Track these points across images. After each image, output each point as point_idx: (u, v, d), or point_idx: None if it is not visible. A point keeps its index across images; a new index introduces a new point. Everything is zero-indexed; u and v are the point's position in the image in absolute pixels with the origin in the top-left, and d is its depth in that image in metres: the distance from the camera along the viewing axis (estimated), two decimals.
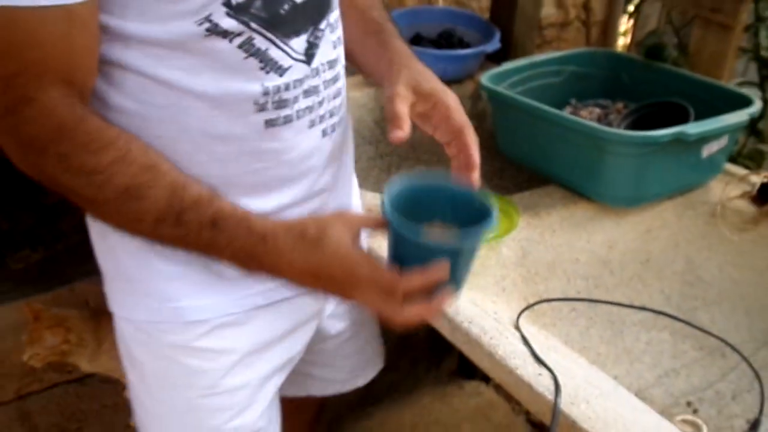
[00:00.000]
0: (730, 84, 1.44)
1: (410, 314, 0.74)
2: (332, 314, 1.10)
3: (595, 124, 1.18)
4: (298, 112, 0.81)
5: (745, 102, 1.21)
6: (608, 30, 2.04)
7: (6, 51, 0.64)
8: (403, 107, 0.79)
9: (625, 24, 2.10)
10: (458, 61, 1.60)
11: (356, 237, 0.77)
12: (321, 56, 0.82)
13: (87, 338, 1.24)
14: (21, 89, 0.65)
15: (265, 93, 0.77)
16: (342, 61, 0.89)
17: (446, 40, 1.66)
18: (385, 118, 0.89)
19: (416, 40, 1.65)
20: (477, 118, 1.64)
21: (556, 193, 1.22)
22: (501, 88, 1.29)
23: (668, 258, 1.19)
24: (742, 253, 1.17)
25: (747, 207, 1.20)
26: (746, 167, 1.44)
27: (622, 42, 2.24)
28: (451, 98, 0.85)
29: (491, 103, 1.36)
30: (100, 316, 1.24)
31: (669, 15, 1.67)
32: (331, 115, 0.86)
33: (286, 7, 0.76)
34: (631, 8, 2.01)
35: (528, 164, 1.32)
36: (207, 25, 0.70)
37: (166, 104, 0.74)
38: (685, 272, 1.19)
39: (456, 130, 0.84)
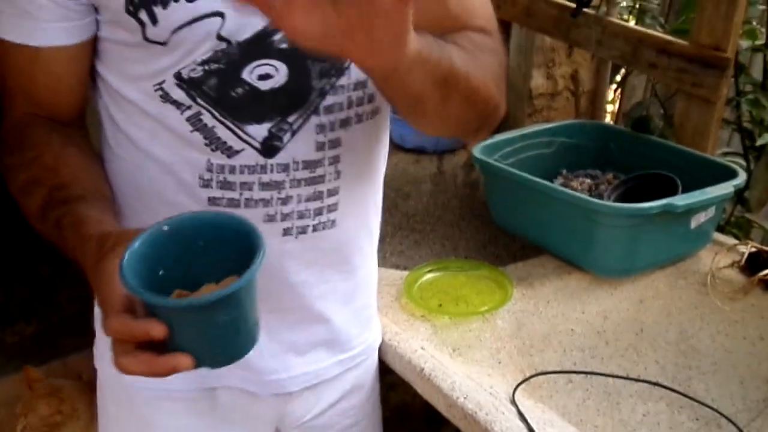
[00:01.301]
0: (716, 154, 1.48)
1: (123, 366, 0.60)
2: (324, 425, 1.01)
3: (586, 197, 1.21)
4: (247, 200, 0.79)
5: (730, 173, 1.24)
6: (596, 100, 2.08)
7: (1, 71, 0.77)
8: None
9: (612, 94, 2.15)
10: None
11: None
12: (291, 152, 0.78)
13: (80, 409, 1.24)
14: (6, 101, 0.78)
15: (209, 169, 0.78)
16: (335, 168, 0.82)
17: None
18: None
19: None
20: (470, 187, 1.67)
21: (549, 263, 1.23)
22: (493, 160, 1.32)
23: (662, 328, 1.20)
24: (734, 322, 1.18)
25: (737, 276, 1.21)
26: (734, 236, 1.46)
27: (611, 109, 2.30)
28: None
29: (483, 174, 1.39)
30: (93, 388, 1.23)
31: (654, 87, 1.72)
32: (301, 216, 0.81)
33: (239, 90, 0.74)
34: (618, 78, 2.06)
35: (521, 234, 1.34)
36: (161, 92, 0.75)
37: (128, 158, 0.80)
38: (678, 342, 1.19)
39: None
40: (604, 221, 1.15)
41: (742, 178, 1.23)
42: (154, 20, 0.70)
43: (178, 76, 0.74)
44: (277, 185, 0.79)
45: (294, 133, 0.77)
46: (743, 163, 1.51)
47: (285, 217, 0.80)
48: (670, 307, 1.22)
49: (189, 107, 0.75)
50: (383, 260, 1.22)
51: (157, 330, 0.56)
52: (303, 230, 0.82)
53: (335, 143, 0.80)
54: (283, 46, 0.73)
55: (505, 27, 1.69)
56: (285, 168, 0.78)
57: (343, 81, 0.78)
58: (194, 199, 0.79)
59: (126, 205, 0.82)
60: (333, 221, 0.84)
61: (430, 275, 1.21)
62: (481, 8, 0.81)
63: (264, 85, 0.74)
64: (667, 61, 1.37)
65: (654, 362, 1.18)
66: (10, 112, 0.79)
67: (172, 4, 0.70)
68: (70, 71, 0.77)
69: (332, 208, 0.84)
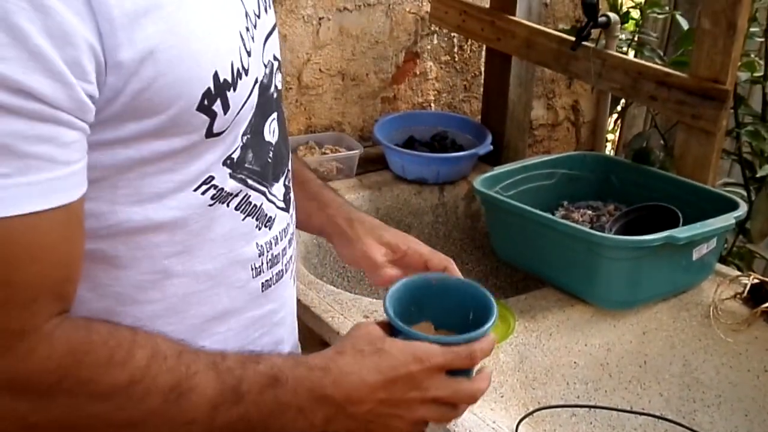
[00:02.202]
0: (717, 185, 1.49)
1: (482, 384, 0.71)
2: None
3: (587, 229, 1.21)
4: (286, 264, 0.75)
5: (731, 205, 1.24)
6: (597, 130, 2.10)
7: None
8: (378, 256, 0.85)
9: (613, 124, 2.17)
10: (451, 163, 1.64)
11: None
12: (294, 199, 0.77)
13: None
14: (11, 321, 0.51)
15: (261, 254, 0.70)
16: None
17: (439, 142, 1.71)
18: (366, 273, 0.89)
19: (410, 143, 1.70)
20: (471, 218, 1.67)
21: (551, 295, 1.23)
22: (494, 193, 1.32)
23: (665, 360, 1.20)
24: (738, 354, 1.17)
25: (740, 308, 1.21)
26: (737, 267, 1.46)
27: (612, 138, 2.31)
28: (416, 243, 0.87)
29: (485, 206, 1.39)
30: None
31: (654, 118, 1.74)
32: (290, 260, 0.78)
33: (270, 154, 0.69)
34: (618, 109, 2.08)
35: (523, 266, 1.34)
36: (212, 192, 0.62)
37: (161, 298, 0.64)
38: (683, 374, 1.19)
39: (443, 269, 0.84)
40: (606, 254, 1.15)
41: (743, 209, 1.23)
42: (226, 108, 0.59)
43: (227, 163, 0.63)
44: (292, 234, 0.77)
45: (291, 179, 0.77)
46: (744, 193, 1.52)
47: (289, 261, 0.77)
48: (673, 339, 1.21)
49: (238, 194, 0.65)
50: (384, 292, 1.22)
51: (490, 342, 0.71)
52: (291, 275, 0.80)
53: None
54: (275, 95, 0.70)
55: (505, 59, 1.70)
56: (292, 217, 0.77)
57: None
58: (248, 294, 0.70)
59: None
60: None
61: None
62: None
63: (274, 139, 0.70)
64: (667, 94, 1.38)
65: (658, 395, 1.17)
66: (23, 337, 0.52)
67: (239, 82, 0.60)
68: (82, 231, 0.56)
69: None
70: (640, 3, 1.84)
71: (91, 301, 0.60)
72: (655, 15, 1.80)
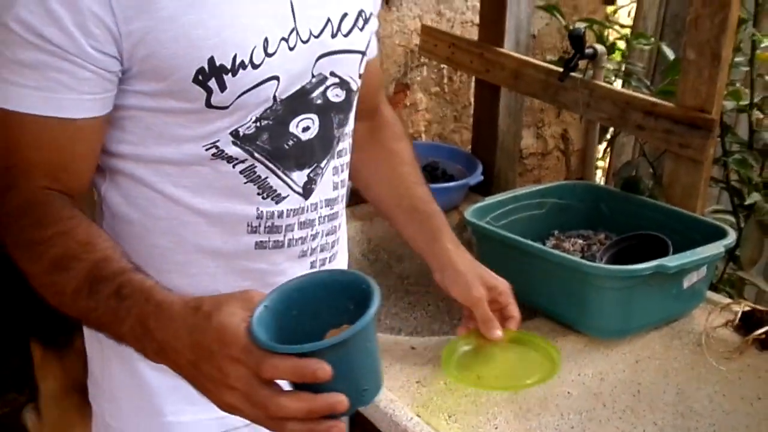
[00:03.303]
0: (706, 212, 1.50)
1: (282, 407, 0.61)
2: None
3: (578, 259, 1.22)
4: (289, 240, 0.86)
5: (720, 233, 1.25)
6: (586, 159, 2.11)
7: (9, 146, 0.73)
8: (489, 311, 0.98)
9: (602, 152, 2.18)
10: (442, 193, 1.65)
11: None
12: (320, 193, 0.87)
13: None
14: (12, 178, 0.75)
15: (259, 217, 0.82)
16: (342, 203, 0.94)
17: (430, 173, 1.72)
18: (479, 321, 1.01)
19: None
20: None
21: (544, 326, 1.23)
22: (485, 222, 1.33)
23: (659, 389, 1.20)
24: (731, 382, 1.17)
25: (731, 336, 1.21)
26: (728, 294, 1.47)
27: (602, 165, 2.33)
28: (507, 288, 1.00)
29: (476, 237, 1.40)
30: None
31: (642, 147, 1.75)
32: (322, 249, 0.91)
33: (290, 142, 0.82)
34: (608, 137, 2.10)
35: (514, 296, 1.34)
36: (213, 150, 0.77)
37: (167, 217, 0.81)
38: (676, 403, 1.19)
39: (512, 316, 1.00)
40: (597, 283, 1.15)
41: (732, 237, 1.24)
42: (222, 87, 0.74)
43: (234, 134, 0.78)
44: (311, 223, 0.87)
45: (322, 176, 0.86)
46: (733, 220, 1.53)
47: (313, 251, 0.89)
48: (666, 368, 1.21)
49: (243, 161, 0.79)
50: (377, 323, 1.22)
51: (324, 370, 0.59)
52: (323, 262, 0.91)
53: (343, 183, 0.92)
54: (318, 101, 0.83)
55: (494, 90, 1.72)
56: (315, 207, 0.87)
57: (347, 129, 0.90)
58: (241, 245, 0.83)
59: (167, 260, 0.83)
60: (336, 252, 0.95)
61: (467, 347, 1.06)
62: None
63: (305, 136, 0.82)
64: (654, 123, 1.40)
65: (652, 424, 1.17)
66: (17, 189, 0.75)
67: (241, 72, 0.74)
68: (98, 140, 0.77)
69: (337, 242, 0.94)
70: (626, 35, 1.87)
71: (121, 206, 0.82)
72: (641, 46, 1.83)
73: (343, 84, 0.85)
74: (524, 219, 1.43)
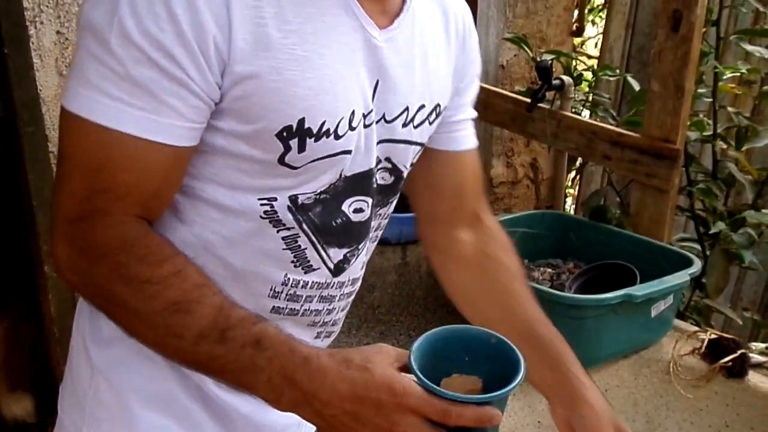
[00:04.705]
0: (673, 240, 1.52)
1: None
2: None
3: (547, 289, 1.23)
4: (305, 310, 0.83)
5: (686, 261, 1.27)
6: (556, 187, 2.14)
7: (103, 168, 0.69)
8: None
9: (571, 181, 2.21)
10: (410, 223, 1.63)
11: (400, 368, 0.70)
12: (349, 272, 0.84)
13: None
14: (102, 203, 0.70)
15: (284, 283, 0.79)
16: (361, 280, 0.90)
17: (401, 202, 1.73)
18: None
19: None
20: (434, 277, 1.67)
21: None
22: None
23: (629, 416, 1.20)
24: (698, 410, 1.18)
25: (698, 364, 1.22)
26: (695, 321, 1.48)
27: (573, 192, 2.36)
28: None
29: None
30: None
31: (610, 176, 1.78)
32: (334, 324, 0.88)
33: (338, 220, 0.79)
34: (577, 165, 2.13)
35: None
36: (267, 207, 0.75)
37: (192, 258, 0.75)
38: (646, 431, 1.19)
39: None
40: (566, 312, 1.16)
41: (697, 266, 1.26)
42: (301, 149, 0.72)
43: (293, 200, 0.75)
44: (331, 299, 0.84)
45: (357, 257, 0.84)
46: (699, 248, 1.55)
47: (324, 324, 0.86)
48: (635, 396, 1.22)
49: (290, 228, 0.76)
50: None
51: (499, 416, 0.63)
52: (329, 335, 0.88)
53: (368, 262, 0.88)
54: (380, 183, 0.80)
55: None
56: (341, 285, 0.84)
57: (383, 210, 0.86)
58: (257, 306, 0.79)
59: None
60: (339, 328, 0.91)
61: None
62: None
63: (355, 217, 0.80)
64: (621, 153, 1.42)
65: None
66: (110, 216, 0.70)
67: (323, 139, 0.72)
68: (186, 169, 0.74)
69: (343, 317, 0.91)
70: (593, 66, 1.90)
71: (175, 230, 0.78)
72: (607, 77, 1.87)
73: (394, 170, 0.82)
74: None
